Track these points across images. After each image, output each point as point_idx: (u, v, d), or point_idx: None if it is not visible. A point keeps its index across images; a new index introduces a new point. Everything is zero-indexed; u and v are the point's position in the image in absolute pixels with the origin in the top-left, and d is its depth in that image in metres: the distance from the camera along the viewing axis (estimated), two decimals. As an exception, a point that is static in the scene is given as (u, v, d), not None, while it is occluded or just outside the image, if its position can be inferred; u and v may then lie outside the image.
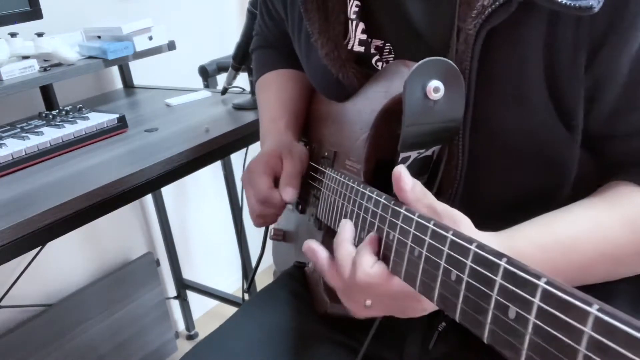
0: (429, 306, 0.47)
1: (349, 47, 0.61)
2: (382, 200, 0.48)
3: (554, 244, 0.48)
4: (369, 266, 0.46)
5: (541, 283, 0.30)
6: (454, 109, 0.48)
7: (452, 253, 0.37)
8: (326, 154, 0.67)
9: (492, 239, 0.46)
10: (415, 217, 0.43)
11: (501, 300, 0.32)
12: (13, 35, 1.12)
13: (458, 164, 0.52)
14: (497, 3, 0.45)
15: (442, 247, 0.39)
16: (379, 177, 0.57)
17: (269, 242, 0.86)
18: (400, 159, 0.52)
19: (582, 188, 0.53)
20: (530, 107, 0.49)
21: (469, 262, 0.36)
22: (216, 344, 0.68)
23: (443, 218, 0.44)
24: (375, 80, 0.57)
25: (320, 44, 0.62)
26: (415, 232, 0.42)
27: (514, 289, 0.31)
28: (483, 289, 0.34)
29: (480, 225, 0.46)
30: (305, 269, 0.73)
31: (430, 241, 0.40)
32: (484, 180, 0.54)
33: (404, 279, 0.44)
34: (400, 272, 0.44)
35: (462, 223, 0.44)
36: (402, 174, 0.46)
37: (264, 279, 0.85)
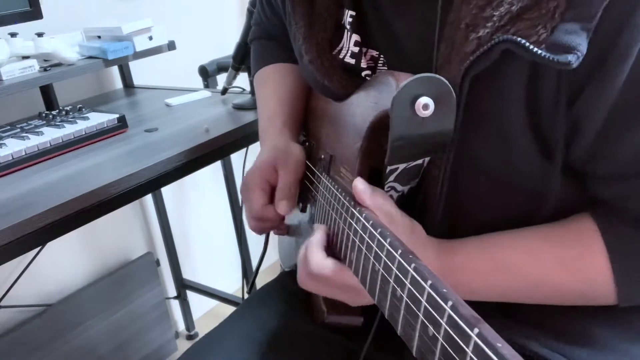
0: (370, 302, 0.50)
1: (341, 57, 0.60)
2: (368, 225, 0.47)
3: (490, 265, 0.52)
4: (323, 258, 0.52)
5: None
6: (445, 123, 0.47)
7: (430, 308, 0.36)
8: (322, 156, 0.66)
9: (433, 254, 0.52)
10: (397, 255, 0.41)
11: None
12: (13, 35, 1.12)
13: (438, 190, 0.52)
14: (479, 51, 0.44)
15: (420, 299, 0.38)
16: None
17: (273, 239, 0.86)
18: (388, 170, 0.52)
19: (561, 211, 0.52)
20: (513, 146, 0.49)
21: (444, 324, 0.35)
22: (216, 342, 0.68)
23: (398, 226, 0.50)
24: (366, 88, 0.56)
25: (304, 50, 0.61)
26: (398, 273, 0.41)
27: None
28: (455, 356, 0.33)
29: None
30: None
31: (410, 287, 0.39)
32: (466, 203, 0.54)
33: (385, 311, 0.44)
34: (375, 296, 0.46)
35: (417, 229, 0.52)
36: (358, 187, 0.50)
37: (264, 278, 0.85)
